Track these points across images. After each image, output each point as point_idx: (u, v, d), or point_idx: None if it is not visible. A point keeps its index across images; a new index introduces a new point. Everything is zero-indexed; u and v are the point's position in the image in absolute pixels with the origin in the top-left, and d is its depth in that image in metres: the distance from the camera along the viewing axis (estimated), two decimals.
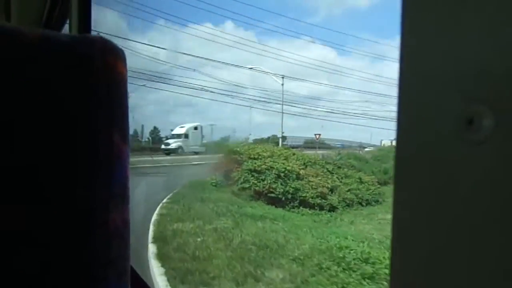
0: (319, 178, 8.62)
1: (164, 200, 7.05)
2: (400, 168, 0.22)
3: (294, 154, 9.13)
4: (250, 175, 8.13)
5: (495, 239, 0.18)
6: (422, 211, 0.21)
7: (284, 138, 12.77)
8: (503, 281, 0.17)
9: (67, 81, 0.33)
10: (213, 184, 8.44)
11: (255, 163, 8.30)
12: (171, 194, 7.46)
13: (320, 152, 11.13)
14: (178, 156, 11.87)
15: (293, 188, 7.98)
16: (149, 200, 6.74)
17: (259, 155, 8.68)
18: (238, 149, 8.91)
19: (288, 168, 8.27)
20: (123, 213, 0.36)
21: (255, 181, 8.04)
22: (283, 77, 12.28)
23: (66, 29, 1.63)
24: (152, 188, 7.66)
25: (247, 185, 8.02)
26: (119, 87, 0.35)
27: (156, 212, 6.33)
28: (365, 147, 13.15)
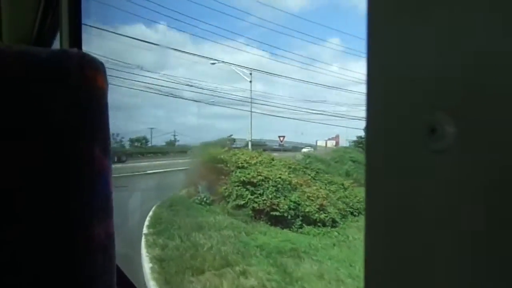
0: (314, 187, 8.43)
1: (144, 231, 5.96)
2: (370, 176, 0.26)
3: (273, 159, 8.99)
4: (244, 189, 7.66)
5: (458, 244, 0.21)
6: (391, 218, 0.25)
7: (233, 140, 13.09)
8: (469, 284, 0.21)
9: (46, 97, 0.37)
10: (198, 202, 7.77)
11: (247, 174, 7.85)
12: (147, 220, 6.47)
13: (287, 155, 11.42)
14: (132, 164, 11.65)
15: (293, 202, 7.65)
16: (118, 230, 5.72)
17: (247, 162, 8.30)
18: (222, 157, 8.43)
19: (282, 177, 8.01)
20: (107, 227, 0.41)
21: (252, 197, 7.54)
22: (251, 73, 12.70)
23: (56, 44, 1.87)
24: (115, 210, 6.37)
25: (242, 202, 7.48)
26: (99, 101, 0.40)
27: (143, 258, 4.82)
28: (304, 148, 14.47)
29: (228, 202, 7.63)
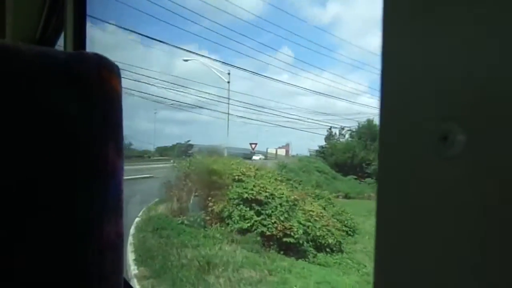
0: (313, 205, 8.09)
1: (134, 270, 5.05)
2: (382, 181, 0.30)
3: (257, 169, 8.51)
4: (247, 208, 7.05)
5: (468, 250, 0.24)
6: (402, 224, 0.28)
7: (190, 146, 13.36)
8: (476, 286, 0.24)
9: (63, 97, 0.42)
10: (189, 223, 6.91)
11: (249, 189, 7.23)
12: (131, 249, 5.77)
13: (258, 163, 11.71)
14: None
15: (302, 224, 7.16)
16: None
17: (244, 174, 7.73)
18: (215, 166, 7.80)
19: (284, 193, 7.44)
20: (117, 226, 0.45)
21: (258, 218, 6.89)
22: (229, 73, 13.10)
23: (59, 44, 2.02)
24: None
25: (246, 225, 6.81)
26: (114, 102, 0.45)
27: None
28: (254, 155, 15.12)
29: (228, 224, 6.95)
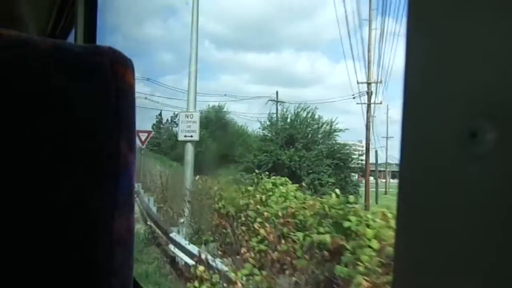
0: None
1: None
2: (405, 180, 0.29)
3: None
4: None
5: (501, 251, 0.24)
6: (427, 223, 0.27)
7: None
8: None
9: (77, 91, 0.42)
10: None
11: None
12: None
13: None
14: None
15: None
16: None
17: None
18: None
19: None
20: (128, 221, 0.45)
21: None
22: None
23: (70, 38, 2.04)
24: None
25: None
26: (128, 97, 0.45)
27: None
28: None
29: None
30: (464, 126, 0.25)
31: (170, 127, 19.54)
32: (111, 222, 0.43)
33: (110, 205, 0.43)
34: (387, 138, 18.51)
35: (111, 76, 0.44)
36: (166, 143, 18.27)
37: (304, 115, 15.41)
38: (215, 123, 17.56)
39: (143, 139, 11.59)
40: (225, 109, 18.18)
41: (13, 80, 0.40)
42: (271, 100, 17.35)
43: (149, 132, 12.80)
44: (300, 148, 14.61)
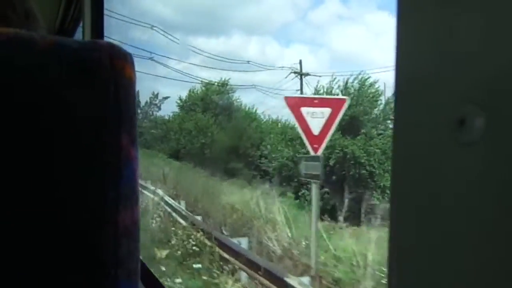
0: None
1: None
2: (397, 168, 0.30)
3: None
4: None
5: (489, 239, 0.23)
6: (418, 211, 0.28)
7: None
8: (504, 281, 0.23)
9: (76, 87, 0.43)
10: None
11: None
12: None
13: None
14: None
15: None
16: None
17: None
18: None
19: None
20: (133, 213, 0.46)
21: None
22: None
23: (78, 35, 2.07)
24: None
25: None
26: (128, 91, 0.46)
27: None
28: None
29: None
30: (453, 112, 0.25)
31: (150, 111, 15.92)
32: (115, 214, 0.44)
33: (114, 198, 0.44)
34: None
35: (110, 71, 0.44)
36: (153, 134, 15.03)
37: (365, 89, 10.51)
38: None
39: None
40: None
41: (12, 78, 0.41)
42: (294, 72, 13.93)
43: None
44: (374, 135, 9.83)
